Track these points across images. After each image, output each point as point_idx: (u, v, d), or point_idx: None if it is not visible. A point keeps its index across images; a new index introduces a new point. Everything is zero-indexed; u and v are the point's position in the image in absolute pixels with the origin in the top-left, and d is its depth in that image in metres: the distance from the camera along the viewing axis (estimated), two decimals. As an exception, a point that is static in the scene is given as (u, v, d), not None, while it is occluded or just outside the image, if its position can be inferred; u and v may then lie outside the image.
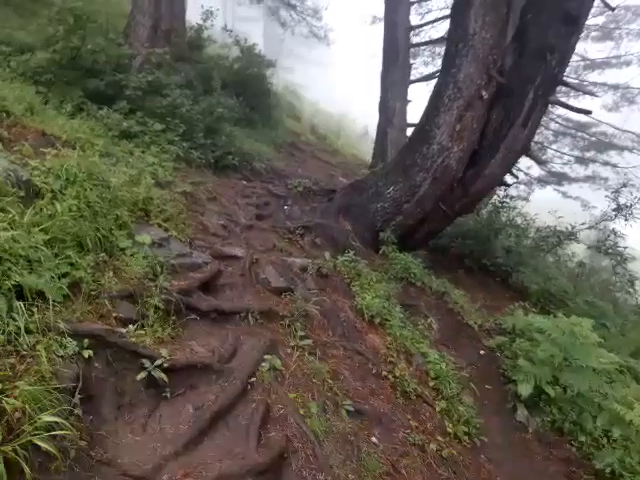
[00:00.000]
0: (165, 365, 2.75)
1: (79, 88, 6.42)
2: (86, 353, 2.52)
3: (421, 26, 12.60)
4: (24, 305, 2.39)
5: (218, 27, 12.13)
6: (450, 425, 3.81)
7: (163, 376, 2.71)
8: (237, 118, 9.26)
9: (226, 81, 9.95)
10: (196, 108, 7.53)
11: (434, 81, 7.08)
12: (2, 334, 2.22)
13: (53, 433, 2.04)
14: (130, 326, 2.92)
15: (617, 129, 13.58)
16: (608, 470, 3.71)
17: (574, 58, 12.28)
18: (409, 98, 11.37)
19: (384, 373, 3.97)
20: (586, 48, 14.47)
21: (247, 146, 8.90)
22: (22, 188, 3.02)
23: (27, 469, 1.88)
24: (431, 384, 4.17)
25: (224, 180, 7.31)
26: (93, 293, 2.94)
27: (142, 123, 6.58)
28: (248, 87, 10.88)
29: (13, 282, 2.39)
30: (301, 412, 3.02)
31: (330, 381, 3.49)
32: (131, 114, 6.65)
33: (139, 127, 6.45)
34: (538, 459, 4.04)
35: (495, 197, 9.10)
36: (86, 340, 2.56)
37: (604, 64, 14.62)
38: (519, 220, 9.12)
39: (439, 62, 13.63)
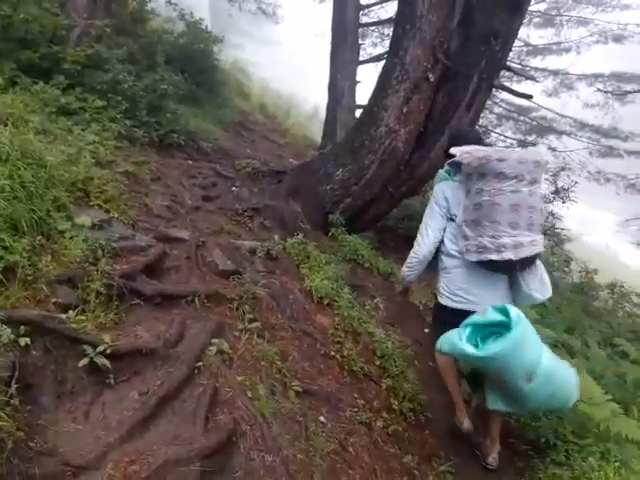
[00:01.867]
0: (108, 351, 2.66)
1: (11, 60, 6.04)
2: (22, 341, 2.40)
3: (370, 6, 12.56)
4: (-48, 292, 2.25)
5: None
6: (396, 402, 3.91)
7: (106, 362, 2.63)
8: (182, 95, 8.97)
9: (171, 57, 9.61)
10: (139, 84, 7.24)
11: (383, 62, 7.11)
12: None
13: (-13, 425, 1.96)
14: (70, 312, 2.81)
15: (556, 114, 14.13)
16: (543, 440, 3.92)
17: (517, 43, 12.62)
18: (358, 79, 11.36)
19: (332, 353, 4.02)
20: (529, 34, 14.92)
21: (193, 124, 8.68)
22: (-52, 167, 2.83)
23: (-41, 463, 1.80)
24: (377, 363, 4.26)
25: (169, 160, 7.11)
26: (30, 278, 2.80)
27: (82, 99, 6.27)
28: (194, 63, 10.57)
29: (-61, 268, 2.25)
30: (249, 395, 3.02)
31: (279, 363, 3.49)
32: (70, 89, 6.32)
33: (78, 103, 6.15)
34: (479, 432, 4.21)
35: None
36: (22, 327, 2.44)
37: (545, 50, 15.11)
38: (463, 202, 9.39)
39: (387, 43, 13.68)
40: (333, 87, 10.94)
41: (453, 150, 3.24)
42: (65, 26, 6.94)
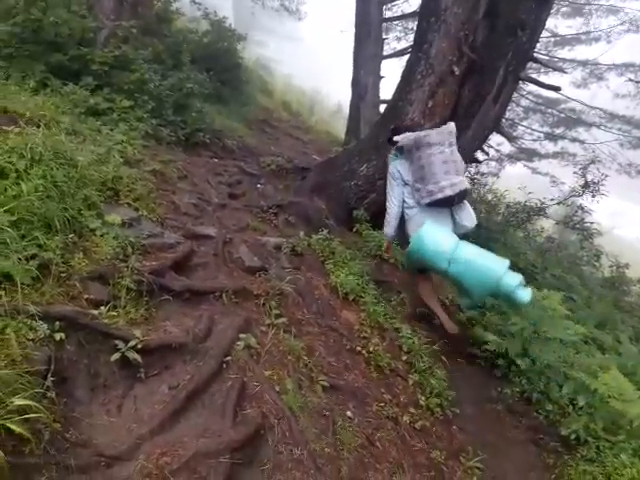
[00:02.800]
0: (139, 346, 2.73)
1: (42, 63, 6.19)
2: (57, 336, 2.47)
3: (394, 0, 12.46)
4: (-10, 289, 2.33)
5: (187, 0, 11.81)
6: (423, 398, 3.91)
7: (137, 357, 2.69)
8: (207, 94, 9.07)
9: (195, 56, 9.72)
10: (165, 84, 7.36)
11: (407, 57, 7.06)
12: (-31, 318, 2.17)
13: (26, 416, 2.02)
14: (102, 307, 2.88)
15: (585, 105, 13.78)
16: (573, 436, 3.86)
17: (544, 34, 12.36)
18: (382, 74, 11.30)
19: (358, 348, 4.03)
20: (556, 24, 14.59)
21: (218, 123, 8.77)
22: (-16, 168, 2.93)
23: (1, 452, 1.86)
24: (404, 358, 4.26)
25: (195, 158, 7.20)
26: (63, 275, 2.88)
27: (109, 100, 6.40)
28: (218, 62, 10.68)
29: (-22, 265, 2.33)
30: (277, 389, 3.05)
31: (305, 358, 3.52)
32: (98, 90, 6.46)
33: (106, 104, 6.28)
34: (508, 428, 4.18)
35: (466, 174, 9.20)
36: (57, 322, 2.51)
37: (574, 40, 14.75)
38: (489, 196, 9.28)
39: (412, 37, 13.54)
40: (357, 83, 10.92)
41: (395, 138, 4.59)
42: (93, 28, 7.08)
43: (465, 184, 4.50)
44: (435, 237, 4.27)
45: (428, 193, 4.40)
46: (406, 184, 4.65)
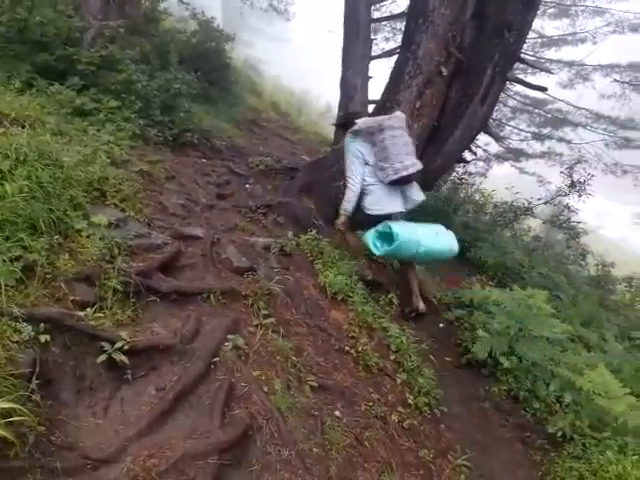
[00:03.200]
0: (125, 347, 2.71)
1: (28, 63, 6.13)
2: (42, 338, 2.46)
3: (382, 0, 12.48)
4: (-26, 291, 2.30)
5: (174, -1, 11.76)
6: (411, 397, 3.93)
7: (124, 358, 2.68)
8: (195, 94, 9.03)
9: (183, 56, 9.69)
10: (152, 84, 7.31)
11: (395, 57, 7.07)
12: (-48, 321, 2.15)
13: (10, 420, 2.00)
14: (88, 309, 2.86)
15: (572, 106, 13.91)
16: (560, 434, 3.90)
17: (531, 35, 12.47)
18: (370, 74, 11.31)
19: (346, 348, 4.04)
20: (543, 25, 14.70)
21: (206, 123, 8.74)
22: (-32, 168, 2.89)
23: (-16, 457, 1.85)
24: (392, 357, 4.27)
25: (183, 158, 7.16)
26: (48, 276, 2.86)
27: (96, 100, 6.35)
28: (206, 62, 10.64)
29: (-39, 267, 2.31)
30: (265, 389, 3.05)
31: (294, 358, 3.52)
32: (84, 90, 6.40)
33: (93, 104, 6.22)
34: (495, 426, 4.21)
35: (454, 174, 9.27)
36: (42, 324, 2.50)
37: (560, 41, 14.86)
38: (477, 196, 9.34)
39: (400, 38, 13.58)
40: (345, 83, 10.90)
41: (358, 122, 5.05)
42: (79, 28, 7.02)
43: (420, 165, 5.00)
44: (408, 237, 4.75)
45: (394, 171, 4.80)
46: (367, 164, 5.00)
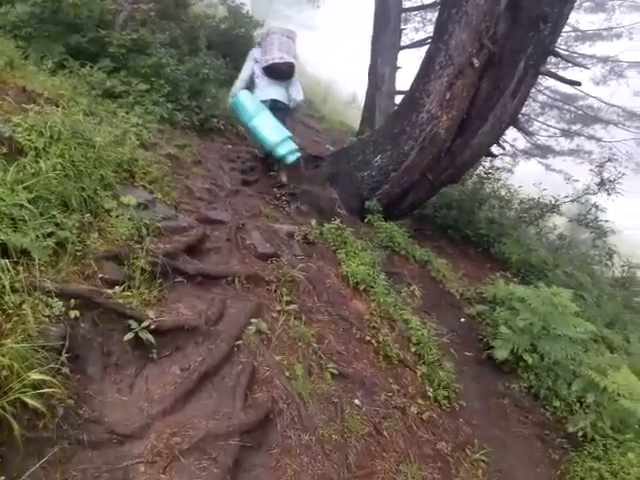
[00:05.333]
0: (152, 327, 2.76)
1: (60, 44, 6.19)
2: (72, 313, 2.50)
3: (413, -10, 12.34)
4: (9, 263, 2.35)
5: (204, -16, 11.77)
6: (430, 389, 3.91)
7: (150, 337, 2.72)
8: (223, 80, 9.03)
9: (212, 41, 9.68)
10: (181, 68, 7.33)
11: (424, 48, 6.99)
12: (-13, 292, 2.20)
13: (41, 391, 2.05)
14: (116, 287, 2.91)
15: (604, 103, 13.58)
16: (580, 434, 3.86)
17: (565, 28, 12.16)
18: (399, 64, 11.20)
19: (367, 338, 4.03)
20: (578, 19, 14.33)
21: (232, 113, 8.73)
22: (4, 145, 2.94)
23: (16, 425, 1.89)
24: (413, 349, 4.25)
25: (209, 143, 7.20)
26: (79, 254, 2.90)
27: (126, 82, 6.39)
28: (235, 48, 10.59)
29: (-3, 240, 2.35)
30: (286, 374, 3.08)
31: (315, 345, 3.54)
32: (115, 73, 6.45)
33: (123, 87, 6.27)
34: (514, 423, 4.18)
35: (480, 168, 9.13)
36: (72, 300, 2.54)
37: (595, 36, 14.49)
38: (503, 192, 9.20)
39: (430, 28, 13.44)
40: (373, 72, 10.83)
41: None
42: (112, 10, 7.07)
43: (291, 60, 6.28)
44: (245, 103, 6.20)
45: (266, 60, 6.20)
46: (257, 62, 6.37)
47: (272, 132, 6.15)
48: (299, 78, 6.74)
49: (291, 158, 6.26)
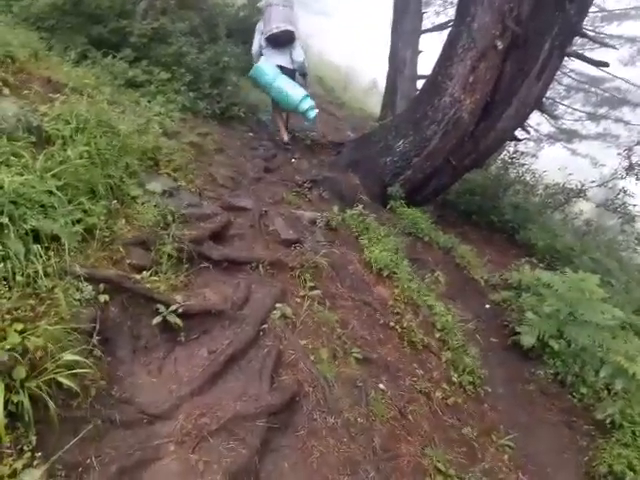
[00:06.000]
0: (179, 311, 2.80)
1: (83, 35, 6.25)
2: (102, 298, 2.56)
3: (434, -27, 12.13)
4: (41, 249, 2.40)
5: (223, -27, 11.73)
6: (455, 375, 3.89)
7: (178, 321, 2.76)
8: (243, 68, 9.03)
9: (232, 29, 9.67)
10: (202, 57, 7.33)
11: (446, 32, 6.88)
12: (22, 276, 2.25)
13: (74, 371, 2.10)
14: (144, 272, 2.96)
15: (632, 84, 13.20)
16: (608, 420, 3.81)
17: (591, 9, 11.84)
18: (420, 48, 11.06)
19: (391, 324, 4.03)
20: (604, -2, 13.91)
21: (253, 97, 8.74)
22: (33, 133, 2.99)
23: (52, 404, 1.95)
24: (437, 335, 4.24)
25: (230, 132, 7.21)
26: (107, 240, 2.95)
27: (148, 72, 6.44)
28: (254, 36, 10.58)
29: (29, 226, 2.40)
30: (311, 358, 3.10)
31: (339, 330, 3.55)
32: (136, 62, 6.49)
33: (145, 76, 6.32)
34: (540, 409, 4.14)
35: (504, 153, 9.00)
36: (102, 285, 2.60)
37: (622, 15, 14.07)
38: (528, 177, 9.05)
39: (451, 12, 13.20)
40: (394, 56, 10.72)
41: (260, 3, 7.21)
42: (132, 0, 7.10)
43: (288, 27, 6.68)
44: (264, 69, 6.73)
45: (266, 32, 6.74)
46: (262, 33, 6.88)
47: (295, 90, 6.71)
48: (301, 42, 7.17)
49: (312, 113, 6.80)
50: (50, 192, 2.70)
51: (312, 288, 3.80)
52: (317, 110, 6.91)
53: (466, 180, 7.84)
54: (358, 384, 3.21)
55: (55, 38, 5.94)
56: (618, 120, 14.12)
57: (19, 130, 2.90)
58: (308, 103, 6.74)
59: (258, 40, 7.01)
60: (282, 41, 6.79)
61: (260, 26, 6.96)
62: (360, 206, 5.43)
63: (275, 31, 6.66)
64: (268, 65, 6.76)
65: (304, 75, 7.34)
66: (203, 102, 6.96)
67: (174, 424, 2.36)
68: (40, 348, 2.00)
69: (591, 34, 11.79)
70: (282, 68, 6.80)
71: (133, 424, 2.28)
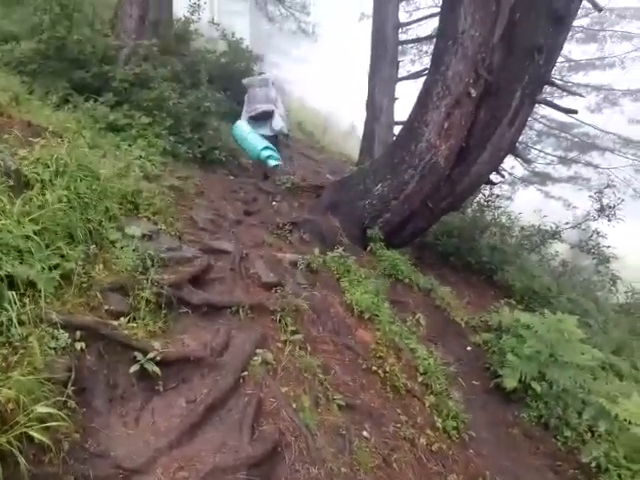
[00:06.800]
0: (157, 358, 2.73)
1: (65, 79, 6.33)
2: (78, 345, 2.49)
3: (409, 24, 12.61)
4: (16, 295, 2.34)
5: (205, 20, 12.03)
6: (439, 420, 3.84)
7: (156, 369, 2.69)
8: (224, 113, 9.20)
9: (213, 75, 9.90)
10: (183, 102, 7.46)
11: (422, 79, 7.12)
12: (-6, 324, 2.18)
13: (47, 425, 2.01)
14: (122, 319, 2.90)
15: (599, 130, 13.77)
16: (594, 464, 3.78)
17: (559, 59, 12.42)
18: (396, 95, 11.40)
19: (374, 368, 3.98)
20: (571, 49, 14.65)
21: (234, 141, 8.85)
22: (11, 178, 2.96)
23: (22, 460, 1.86)
24: (420, 379, 4.20)
25: (211, 175, 7.27)
26: (84, 285, 2.90)
27: (129, 116, 6.50)
28: (235, 82, 10.79)
29: (4, 272, 2.34)
30: (293, 406, 3.03)
31: (321, 375, 3.49)
32: (118, 106, 6.56)
33: (126, 120, 6.37)
34: (525, 453, 4.10)
35: (480, 196, 9.19)
36: (78, 332, 2.53)
37: (588, 65, 14.81)
38: (504, 219, 9.22)
39: (426, 60, 13.73)
40: (372, 103, 11.02)
41: (243, 81, 8.77)
42: (115, 46, 7.24)
43: (264, 107, 8.18)
44: (240, 126, 8.23)
45: (250, 111, 8.19)
46: (247, 112, 8.35)
47: (258, 142, 8.02)
48: (280, 110, 8.46)
49: (271, 162, 7.93)
50: (27, 237, 2.65)
51: (293, 332, 3.75)
52: (279, 162, 8.09)
53: (443, 222, 7.95)
54: (341, 432, 3.14)
55: (37, 82, 5.98)
56: (588, 164, 14.63)
57: (-3, 174, 2.86)
58: (267, 153, 7.96)
59: (245, 113, 8.48)
60: (262, 117, 8.21)
61: (245, 101, 8.54)
62: (340, 248, 5.45)
63: (253, 113, 8.22)
64: (243, 124, 8.24)
65: (286, 136, 8.88)
66: (184, 146, 7.03)
67: (151, 479, 2.26)
68: (12, 400, 1.92)
69: (560, 83, 12.36)
70: (265, 136, 8.08)
71: (108, 480, 2.18)
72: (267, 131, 8.19)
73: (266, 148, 7.90)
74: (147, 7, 8.17)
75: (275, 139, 8.32)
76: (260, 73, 8.99)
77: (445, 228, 8.19)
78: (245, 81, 8.55)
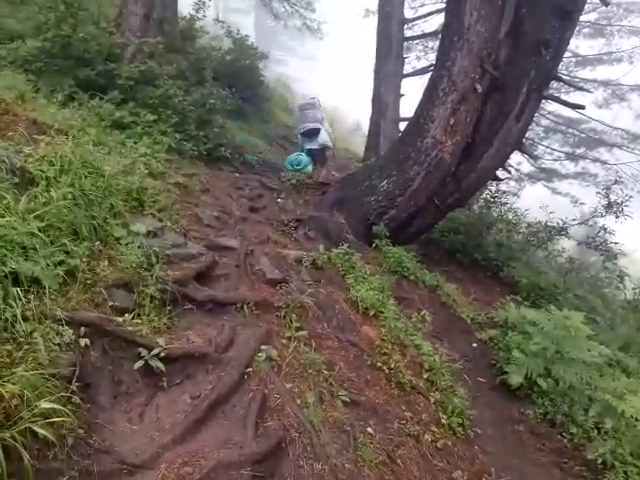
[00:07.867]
0: (162, 354, 2.73)
1: (70, 77, 6.35)
2: (82, 341, 2.49)
3: (414, 20, 12.57)
4: (20, 292, 2.35)
5: (210, 18, 12.03)
6: (444, 416, 3.82)
7: (160, 365, 2.69)
8: (229, 110, 9.21)
9: (218, 72, 9.88)
10: (188, 99, 7.48)
11: (427, 75, 7.09)
12: (-1, 320, 2.19)
13: (51, 420, 2.02)
14: (126, 315, 2.90)
15: (607, 126, 13.66)
16: (600, 461, 3.75)
17: (566, 54, 12.33)
18: (402, 92, 11.36)
19: (379, 364, 3.97)
20: (578, 44, 14.55)
21: (239, 138, 8.89)
22: (16, 175, 2.97)
23: (26, 455, 1.86)
24: (425, 376, 4.18)
25: (216, 172, 7.28)
26: (89, 282, 2.90)
27: (134, 113, 6.52)
28: (240, 79, 10.85)
29: (9, 269, 2.35)
30: (298, 402, 3.02)
31: (326, 372, 3.48)
32: (123, 104, 6.58)
33: (131, 117, 6.39)
34: (531, 450, 4.08)
35: (486, 192, 9.14)
36: (82, 328, 2.53)
37: (595, 61, 14.70)
38: (510, 215, 9.17)
39: (432, 56, 13.67)
40: (377, 100, 10.99)
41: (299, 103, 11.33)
42: (120, 44, 7.25)
43: (310, 126, 9.29)
44: (290, 157, 9.30)
45: (301, 128, 9.43)
46: (298, 130, 9.70)
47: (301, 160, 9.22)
48: (325, 127, 9.54)
49: (306, 170, 9.07)
50: (32, 234, 2.65)
51: (298, 329, 3.75)
52: (309, 168, 9.22)
53: (450, 219, 7.93)
54: (345, 428, 3.13)
55: (42, 80, 6.00)
56: (595, 160, 14.52)
57: (2, 171, 2.87)
58: (303, 164, 9.17)
59: (298, 132, 9.83)
60: (310, 133, 9.35)
61: (298, 121, 10.10)
62: (346, 245, 5.44)
63: (302, 130, 9.45)
64: (293, 155, 9.45)
65: (329, 148, 9.81)
66: (189, 143, 7.04)
67: (155, 474, 2.26)
68: (16, 396, 1.93)
69: (567, 78, 12.27)
70: (311, 150, 9.39)
71: (112, 475, 2.18)
72: (315, 145, 9.41)
73: (305, 165, 9.15)
74: (152, 5, 8.17)
75: (322, 151, 9.59)
76: (312, 98, 9.74)
77: (451, 224, 8.17)
78: (298, 105, 10.64)
